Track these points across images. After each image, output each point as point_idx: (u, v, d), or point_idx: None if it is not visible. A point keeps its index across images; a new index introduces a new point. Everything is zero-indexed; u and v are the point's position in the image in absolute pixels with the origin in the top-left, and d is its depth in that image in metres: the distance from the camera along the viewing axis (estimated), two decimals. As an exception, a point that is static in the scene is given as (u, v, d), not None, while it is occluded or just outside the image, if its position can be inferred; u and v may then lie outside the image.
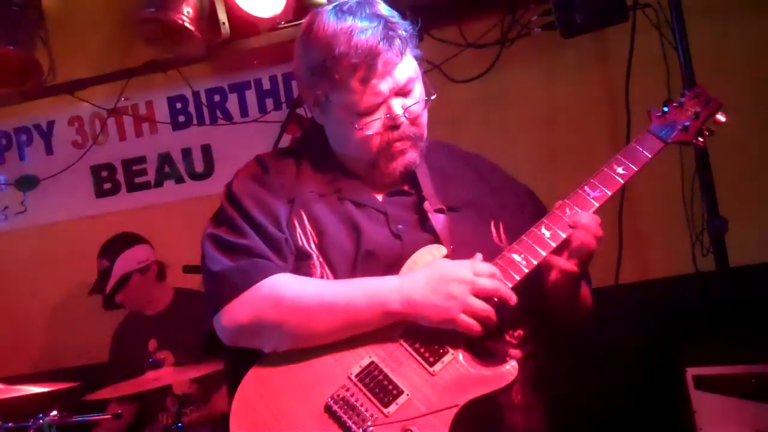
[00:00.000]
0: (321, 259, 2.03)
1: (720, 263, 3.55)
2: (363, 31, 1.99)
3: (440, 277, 1.92)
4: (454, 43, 4.15)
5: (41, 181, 4.90)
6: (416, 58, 2.11)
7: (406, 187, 2.18)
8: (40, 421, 3.35)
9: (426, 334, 1.95)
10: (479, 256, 1.99)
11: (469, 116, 4.10)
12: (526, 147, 4.09)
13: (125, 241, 4.23)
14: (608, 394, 3.78)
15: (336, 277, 2.01)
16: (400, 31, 2.03)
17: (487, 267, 1.95)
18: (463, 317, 1.90)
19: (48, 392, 3.52)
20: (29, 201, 4.95)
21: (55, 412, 3.39)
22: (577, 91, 4.11)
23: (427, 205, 2.11)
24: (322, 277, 2.02)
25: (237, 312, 1.98)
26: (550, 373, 2.17)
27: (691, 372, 2.88)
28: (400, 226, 2.08)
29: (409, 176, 2.17)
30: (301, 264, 2.04)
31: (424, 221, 2.10)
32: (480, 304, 1.90)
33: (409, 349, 1.95)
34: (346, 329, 1.95)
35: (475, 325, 1.90)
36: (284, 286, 1.98)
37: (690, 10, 3.60)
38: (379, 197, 2.15)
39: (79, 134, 4.88)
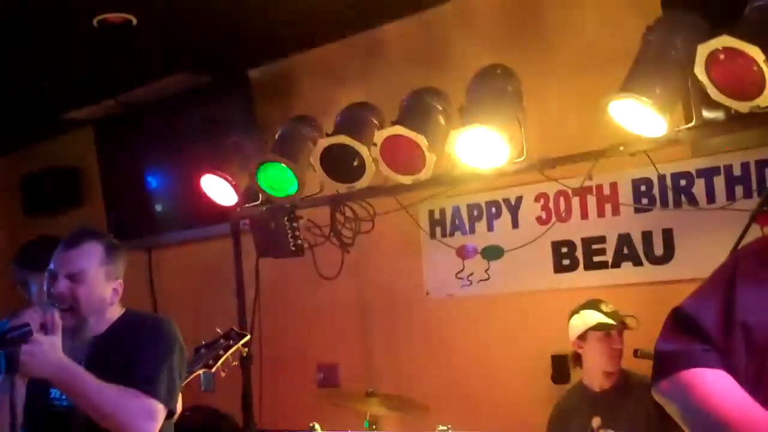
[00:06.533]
0: None
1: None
2: None
3: None
4: None
5: (506, 252, 5.20)
6: None
7: None
8: None
9: None
10: None
11: None
12: None
13: None
14: None
15: None
16: None
17: None
18: None
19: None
20: (493, 270, 5.28)
21: None
22: None
23: None
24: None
25: (663, 389, 2.04)
26: None
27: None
28: None
29: None
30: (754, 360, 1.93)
31: None
32: None
33: None
34: None
35: None
36: (694, 386, 1.96)
37: None
38: None
39: (544, 210, 5.12)
